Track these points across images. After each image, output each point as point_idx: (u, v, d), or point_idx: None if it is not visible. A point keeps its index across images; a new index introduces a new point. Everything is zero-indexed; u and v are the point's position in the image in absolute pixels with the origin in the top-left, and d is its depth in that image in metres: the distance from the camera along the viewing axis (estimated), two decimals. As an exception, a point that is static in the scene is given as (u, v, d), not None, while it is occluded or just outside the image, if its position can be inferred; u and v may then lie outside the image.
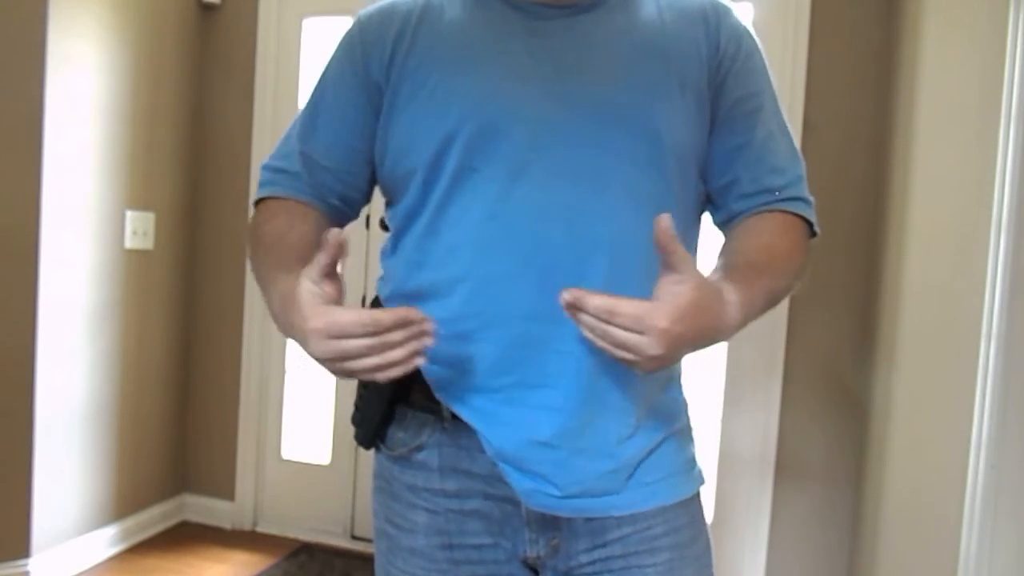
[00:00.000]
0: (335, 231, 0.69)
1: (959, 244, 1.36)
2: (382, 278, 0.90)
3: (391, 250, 0.89)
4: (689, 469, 0.87)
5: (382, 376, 0.69)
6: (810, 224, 0.87)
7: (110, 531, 2.43)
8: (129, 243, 2.43)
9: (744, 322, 0.76)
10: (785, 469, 2.20)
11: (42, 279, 2.12)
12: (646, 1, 0.85)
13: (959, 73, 1.47)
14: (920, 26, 1.77)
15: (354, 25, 0.89)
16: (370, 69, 0.85)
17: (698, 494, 0.88)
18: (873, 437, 1.96)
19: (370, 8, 0.88)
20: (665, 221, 0.67)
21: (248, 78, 2.65)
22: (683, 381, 0.92)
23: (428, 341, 0.69)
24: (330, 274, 0.70)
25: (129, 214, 2.42)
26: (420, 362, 0.70)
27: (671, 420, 0.87)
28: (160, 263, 2.58)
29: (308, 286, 0.69)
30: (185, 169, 2.67)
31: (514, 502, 0.82)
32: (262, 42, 2.64)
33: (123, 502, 2.49)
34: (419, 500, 0.85)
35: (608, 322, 0.67)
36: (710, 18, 0.85)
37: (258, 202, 0.91)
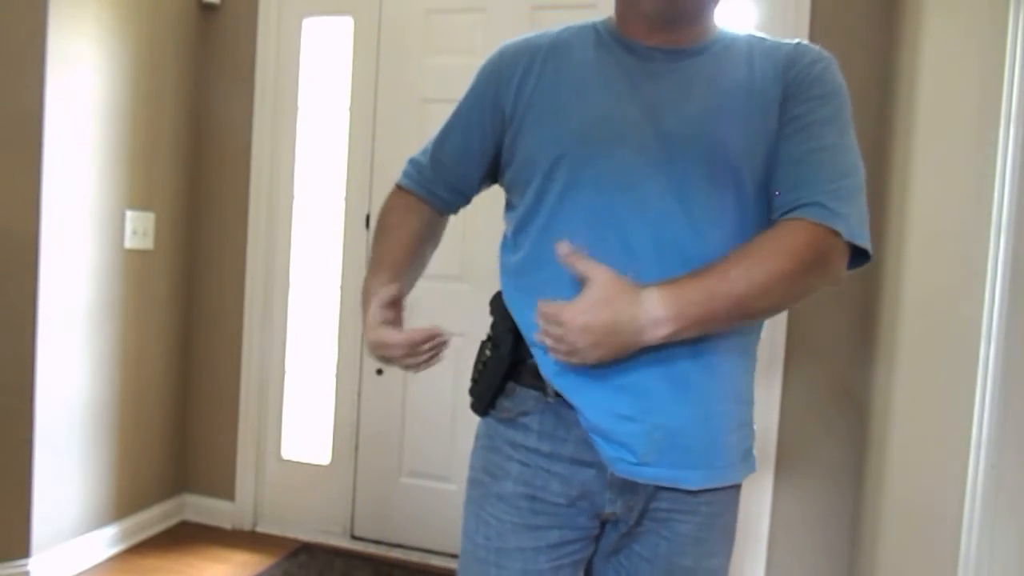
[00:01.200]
0: (396, 296, 1.00)
1: (959, 244, 1.36)
2: (502, 269, 1.08)
3: (510, 246, 1.05)
4: (746, 458, 1.02)
5: (409, 371, 0.98)
6: (838, 233, 0.88)
7: (110, 531, 2.44)
8: (129, 243, 2.43)
9: (682, 317, 0.85)
10: (785, 469, 2.20)
11: (42, 279, 2.12)
12: (742, 46, 0.99)
13: (959, 73, 1.47)
14: (920, 26, 1.77)
15: (496, 53, 1.06)
16: (499, 94, 1.02)
17: (742, 480, 1.04)
18: (873, 437, 1.96)
19: (515, 39, 1.06)
20: (561, 247, 0.88)
21: (248, 78, 2.65)
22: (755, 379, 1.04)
23: (442, 355, 0.98)
24: (394, 304, 0.99)
25: (129, 214, 2.42)
26: (435, 363, 0.98)
27: (745, 411, 1.01)
28: (160, 263, 2.58)
29: (375, 310, 0.98)
30: (185, 169, 2.67)
31: (600, 467, 0.96)
32: (262, 42, 2.64)
33: (123, 502, 2.49)
34: (516, 453, 1.01)
35: (545, 323, 0.87)
36: (791, 55, 0.97)
37: (394, 187, 1.16)
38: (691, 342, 0.90)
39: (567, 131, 0.96)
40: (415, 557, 2.54)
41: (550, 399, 0.98)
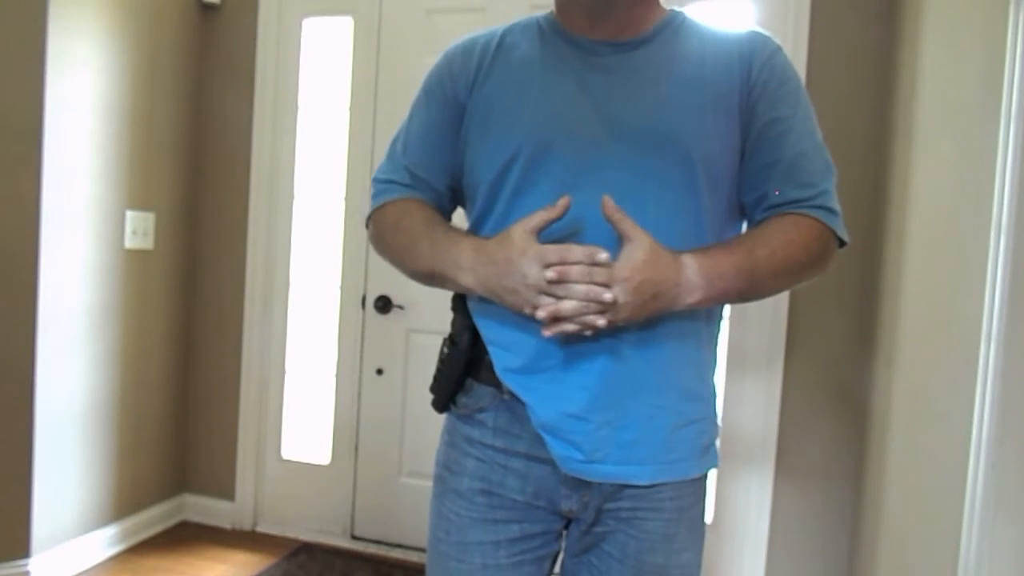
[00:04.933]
0: (566, 197, 0.85)
1: (959, 244, 1.36)
2: None
3: None
4: (704, 453, 1.00)
5: (573, 325, 0.85)
6: (835, 232, 0.95)
7: (110, 531, 2.44)
8: (129, 243, 2.43)
9: (711, 287, 0.88)
10: (785, 469, 2.20)
11: (42, 279, 2.12)
12: (691, 34, 0.98)
13: (959, 73, 1.47)
14: (920, 26, 1.77)
15: (442, 58, 1.05)
16: (457, 92, 1.00)
17: (706, 474, 1.03)
18: (873, 437, 1.96)
19: (455, 43, 1.05)
20: (608, 201, 0.84)
21: (248, 78, 2.65)
22: (715, 374, 1.04)
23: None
24: (540, 230, 0.87)
25: (129, 214, 2.42)
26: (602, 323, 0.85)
27: (699, 407, 0.99)
28: (160, 263, 2.58)
29: (523, 231, 0.86)
30: (185, 169, 2.67)
31: (553, 464, 0.96)
32: (262, 42, 2.64)
33: (123, 502, 2.49)
34: (472, 449, 1.02)
35: (590, 281, 0.82)
36: (745, 48, 0.95)
37: (374, 211, 1.06)
38: (638, 339, 0.92)
39: (518, 131, 0.94)
40: (415, 557, 2.54)
41: (505, 396, 0.98)
